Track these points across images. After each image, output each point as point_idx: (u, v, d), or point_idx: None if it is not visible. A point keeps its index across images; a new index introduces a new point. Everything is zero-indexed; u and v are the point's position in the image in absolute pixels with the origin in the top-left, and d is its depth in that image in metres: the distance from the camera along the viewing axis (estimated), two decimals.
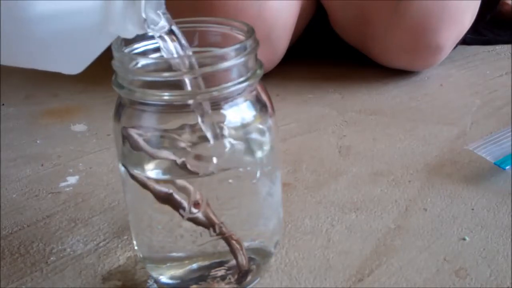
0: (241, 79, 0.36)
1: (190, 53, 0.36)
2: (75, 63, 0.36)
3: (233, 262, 0.40)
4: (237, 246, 0.38)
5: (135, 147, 0.36)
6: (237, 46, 0.36)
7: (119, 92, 0.37)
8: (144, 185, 0.37)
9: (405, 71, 0.78)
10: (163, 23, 0.35)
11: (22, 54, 0.34)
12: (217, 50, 0.37)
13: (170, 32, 0.35)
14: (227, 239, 0.38)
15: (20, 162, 0.61)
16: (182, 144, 0.37)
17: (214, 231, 0.37)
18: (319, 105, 0.72)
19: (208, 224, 0.37)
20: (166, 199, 0.37)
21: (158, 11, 0.34)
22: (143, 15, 0.34)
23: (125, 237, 0.48)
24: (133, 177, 0.37)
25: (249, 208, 0.39)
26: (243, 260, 0.39)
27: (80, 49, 0.35)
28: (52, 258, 0.46)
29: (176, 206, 0.37)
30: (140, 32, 0.35)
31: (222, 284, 0.40)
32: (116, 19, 0.33)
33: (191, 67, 0.35)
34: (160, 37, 0.35)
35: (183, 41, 0.36)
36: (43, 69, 0.35)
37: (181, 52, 0.35)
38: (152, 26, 0.34)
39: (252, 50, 0.37)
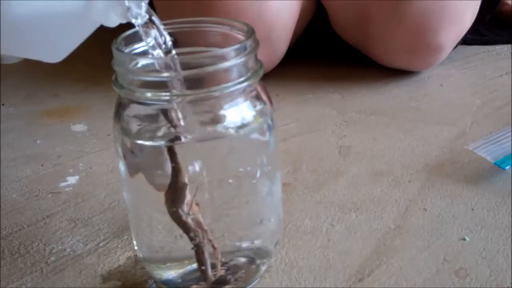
0: (241, 79, 0.36)
1: (169, 40, 0.36)
2: (56, 51, 0.36)
3: (233, 262, 0.40)
4: (205, 256, 0.38)
5: None
6: (237, 46, 0.36)
7: (119, 92, 0.37)
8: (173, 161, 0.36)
9: (405, 71, 0.78)
10: (144, 13, 0.35)
11: (1, 41, 0.33)
12: (217, 50, 0.37)
13: (150, 21, 0.35)
14: (201, 248, 0.38)
15: (20, 162, 0.61)
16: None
17: (193, 238, 0.37)
18: (319, 105, 0.72)
19: (192, 228, 0.37)
20: (178, 189, 0.36)
21: (140, 2, 0.35)
22: (127, 4, 0.34)
23: (125, 237, 0.48)
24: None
25: (249, 208, 0.39)
26: (209, 270, 0.38)
27: (61, 36, 0.35)
28: (52, 258, 0.46)
29: (179, 199, 0.37)
30: (123, 21, 0.35)
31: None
32: (99, 7, 0.33)
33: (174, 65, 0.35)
34: (142, 25, 0.35)
35: (162, 30, 0.36)
36: (22, 57, 0.35)
37: (160, 40, 0.36)
38: (134, 16, 0.35)
39: (252, 50, 0.37)
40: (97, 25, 0.35)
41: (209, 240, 0.38)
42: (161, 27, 0.36)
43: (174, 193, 0.36)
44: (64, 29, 0.34)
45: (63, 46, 0.35)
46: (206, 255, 0.38)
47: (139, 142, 0.37)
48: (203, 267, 0.38)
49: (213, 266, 0.39)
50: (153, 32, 0.35)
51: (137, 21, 0.35)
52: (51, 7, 0.33)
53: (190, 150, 0.37)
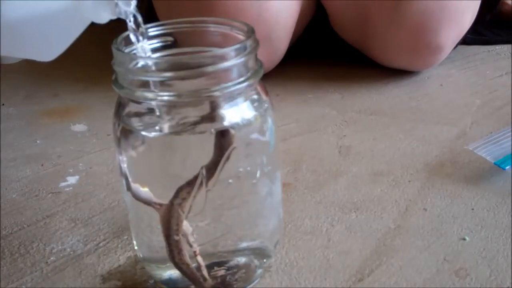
0: (241, 79, 0.36)
1: (145, 40, 0.37)
2: (48, 50, 0.36)
3: (233, 262, 0.40)
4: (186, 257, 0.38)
5: None
6: (237, 46, 0.36)
7: (119, 92, 0.37)
8: None
9: (405, 71, 0.78)
10: (132, 10, 0.36)
11: None
12: (217, 50, 0.37)
13: (134, 18, 0.36)
14: (179, 248, 0.37)
15: (20, 162, 0.61)
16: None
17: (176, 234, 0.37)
18: (319, 105, 0.72)
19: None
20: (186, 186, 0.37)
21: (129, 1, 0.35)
22: (116, 1, 0.34)
23: (125, 237, 0.48)
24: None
25: (249, 208, 0.39)
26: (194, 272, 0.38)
27: (53, 35, 0.35)
28: (52, 258, 0.46)
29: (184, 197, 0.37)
30: (113, 17, 0.35)
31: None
32: (89, 5, 0.33)
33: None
34: (132, 21, 0.36)
35: (143, 29, 0.37)
36: (15, 56, 0.36)
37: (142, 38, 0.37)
38: (123, 13, 0.35)
39: (252, 50, 0.37)
40: (88, 23, 0.35)
41: (191, 246, 0.38)
42: (140, 20, 0.36)
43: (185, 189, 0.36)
44: (55, 28, 0.34)
45: (56, 45, 0.36)
46: (187, 258, 0.38)
47: (142, 133, 0.37)
48: (182, 267, 0.38)
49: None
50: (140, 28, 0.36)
51: (128, 17, 0.36)
52: (41, 7, 0.33)
53: (189, 149, 0.37)
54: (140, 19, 0.36)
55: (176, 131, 0.37)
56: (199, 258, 0.38)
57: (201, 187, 0.36)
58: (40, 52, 0.36)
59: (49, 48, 0.36)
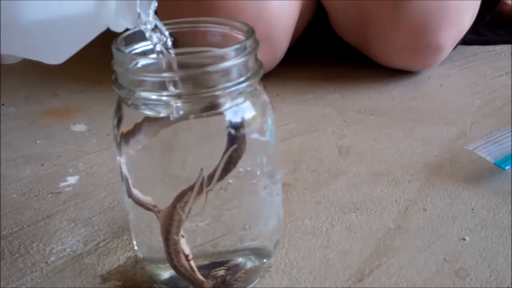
0: (241, 79, 0.36)
1: (170, 44, 0.37)
2: (58, 53, 0.36)
3: (233, 262, 0.40)
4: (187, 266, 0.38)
5: None
6: (237, 46, 0.36)
7: (119, 92, 0.37)
8: None
9: (405, 71, 0.78)
10: (151, 19, 0.36)
11: (4, 40, 0.33)
12: (217, 50, 0.37)
13: (155, 28, 0.37)
14: (177, 250, 0.37)
15: (20, 162, 0.61)
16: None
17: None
18: (319, 105, 0.72)
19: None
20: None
21: (148, 10, 0.36)
22: (138, 11, 0.35)
23: (125, 237, 0.48)
24: None
25: (249, 208, 0.39)
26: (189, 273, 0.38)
27: (65, 39, 0.35)
28: (52, 258, 0.46)
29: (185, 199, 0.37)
30: (131, 26, 0.36)
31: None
32: (109, 13, 0.34)
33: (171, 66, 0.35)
34: (150, 31, 0.36)
35: (167, 36, 0.37)
36: (23, 57, 0.35)
37: (164, 46, 0.37)
38: (143, 22, 0.36)
39: (252, 50, 0.37)
40: (103, 29, 0.35)
41: (183, 252, 0.38)
42: (166, 32, 0.37)
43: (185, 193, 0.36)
44: (69, 32, 0.34)
45: (66, 49, 0.36)
46: (183, 260, 0.38)
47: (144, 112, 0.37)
48: (181, 270, 0.38)
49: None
50: (157, 36, 0.36)
51: (147, 27, 0.36)
52: (60, 11, 0.33)
53: (189, 149, 0.37)
54: (163, 28, 0.37)
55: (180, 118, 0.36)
56: (193, 263, 0.38)
57: (202, 187, 0.36)
58: (49, 55, 0.36)
59: (59, 51, 0.36)
